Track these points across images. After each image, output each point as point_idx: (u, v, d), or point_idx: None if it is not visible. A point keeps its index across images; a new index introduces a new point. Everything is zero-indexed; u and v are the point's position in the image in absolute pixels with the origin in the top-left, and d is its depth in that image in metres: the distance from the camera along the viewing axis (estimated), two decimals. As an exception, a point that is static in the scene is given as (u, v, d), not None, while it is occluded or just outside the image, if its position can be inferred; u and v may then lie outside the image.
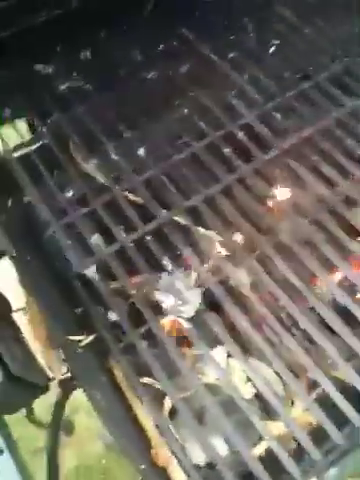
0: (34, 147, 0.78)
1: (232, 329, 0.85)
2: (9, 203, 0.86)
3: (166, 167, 0.82)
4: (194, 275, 0.80)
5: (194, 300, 0.75)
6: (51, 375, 0.66)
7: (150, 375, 0.76)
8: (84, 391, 0.67)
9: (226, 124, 0.88)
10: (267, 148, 0.87)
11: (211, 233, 0.86)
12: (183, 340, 0.86)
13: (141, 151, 0.80)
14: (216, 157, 0.86)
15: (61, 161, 0.79)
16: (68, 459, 1.51)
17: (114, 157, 0.82)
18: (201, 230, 0.85)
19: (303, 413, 0.79)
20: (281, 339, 0.81)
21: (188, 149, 0.86)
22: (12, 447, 0.71)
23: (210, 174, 0.84)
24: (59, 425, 0.79)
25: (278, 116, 0.88)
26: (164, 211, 0.81)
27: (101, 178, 0.85)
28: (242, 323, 0.76)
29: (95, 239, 0.73)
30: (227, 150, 0.86)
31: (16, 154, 0.77)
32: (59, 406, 0.79)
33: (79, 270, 0.57)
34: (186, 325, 0.76)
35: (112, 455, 1.63)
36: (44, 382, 0.66)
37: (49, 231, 0.63)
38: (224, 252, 0.85)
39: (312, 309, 0.82)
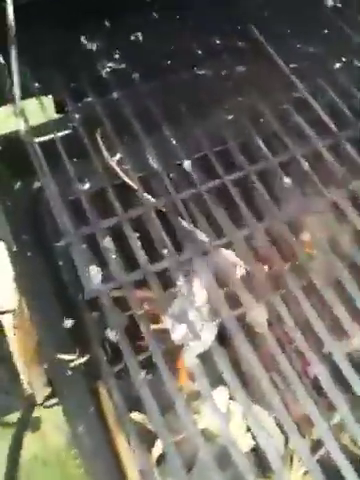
0: (60, 134, 0.68)
1: (238, 368, 0.78)
2: (17, 186, 0.76)
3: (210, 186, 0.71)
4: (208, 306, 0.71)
5: (207, 337, 0.67)
6: (34, 400, 0.57)
7: (141, 409, 0.68)
8: (66, 421, 0.58)
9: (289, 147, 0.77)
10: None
11: (235, 258, 0.78)
12: (183, 371, 0.78)
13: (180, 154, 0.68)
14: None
15: (87, 149, 0.68)
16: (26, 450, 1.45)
17: (147, 155, 0.71)
18: (225, 252, 0.76)
19: (302, 477, 0.71)
20: (289, 386, 0.74)
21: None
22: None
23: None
24: (21, 440, 0.70)
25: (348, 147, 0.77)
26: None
27: (124, 176, 0.75)
28: (251, 363, 0.68)
29: (114, 260, 0.63)
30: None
31: (39, 139, 0.66)
32: (23, 422, 0.71)
33: (90, 296, 0.48)
34: (191, 360, 0.67)
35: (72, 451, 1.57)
36: (25, 407, 0.58)
37: (64, 240, 0.53)
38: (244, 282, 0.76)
39: (328, 357, 0.74)
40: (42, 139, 0.67)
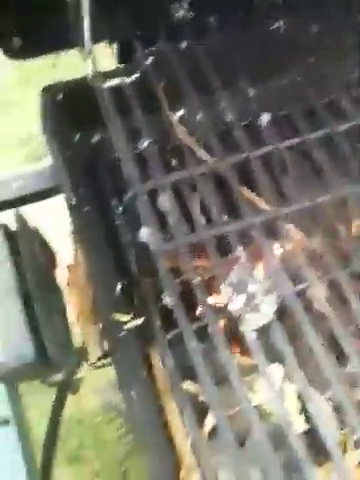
0: (129, 80, 0.64)
1: (296, 346, 0.74)
2: (76, 138, 0.73)
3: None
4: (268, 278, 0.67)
5: (267, 311, 0.63)
6: (86, 355, 0.55)
7: (194, 379, 0.65)
8: (119, 387, 0.56)
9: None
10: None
11: (301, 235, 0.73)
12: (237, 343, 0.75)
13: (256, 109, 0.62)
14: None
15: (154, 100, 0.64)
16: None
17: (218, 110, 0.65)
18: (291, 228, 0.72)
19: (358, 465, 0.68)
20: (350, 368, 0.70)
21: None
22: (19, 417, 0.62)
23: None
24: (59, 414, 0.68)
25: None
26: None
27: (183, 135, 0.71)
28: (311, 342, 0.64)
29: (174, 220, 0.60)
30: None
31: (107, 83, 0.61)
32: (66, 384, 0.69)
33: (159, 256, 0.45)
34: (249, 334, 0.64)
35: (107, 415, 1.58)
36: (75, 366, 0.56)
37: (131, 191, 0.49)
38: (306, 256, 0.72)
39: None
40: (111, 84, 0.62)
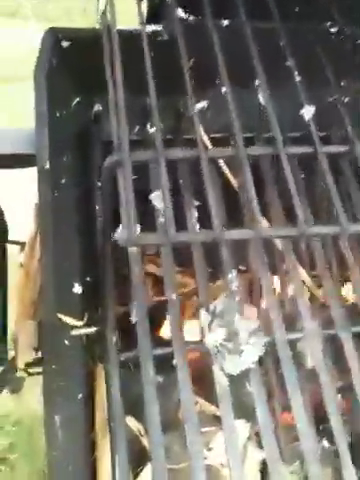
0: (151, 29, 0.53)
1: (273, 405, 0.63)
2: (74, 102, 0.62)
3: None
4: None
5: (249, 356, 0.51)
6: (14, 363, 0.44)
7: (140, 417, 0.53)
8: (44, 402, 0.44)
9: None
10: None
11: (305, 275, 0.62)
12: (202, 385, 0.63)
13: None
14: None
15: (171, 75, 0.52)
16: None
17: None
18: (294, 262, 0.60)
19: None
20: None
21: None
22: None
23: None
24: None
25: None
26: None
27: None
28: (296, 405, 0.52)
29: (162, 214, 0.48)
30: None
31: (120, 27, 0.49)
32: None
33: (125, 244, 0.33)
34: (220, 377, 0.52)
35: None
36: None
37: (116, 156, 0.37)
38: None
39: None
40: (124, 28, 0.51)
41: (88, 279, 0.59)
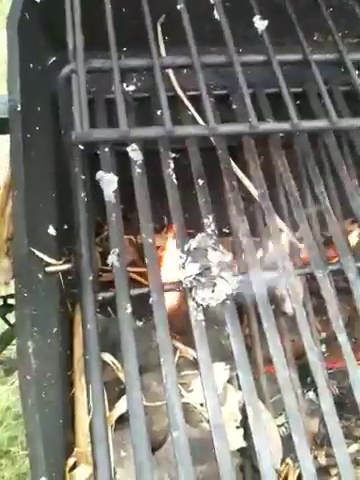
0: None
1: (250, 346, 0.63)
2: (50, 60, 0.64)
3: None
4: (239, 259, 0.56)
5: (224, 288, 0.52)
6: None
7: (117, 354, 0.54)
8: (17, 336, 0.44)
9: None
10: None
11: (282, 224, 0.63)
12: (178, 327, 0.64)
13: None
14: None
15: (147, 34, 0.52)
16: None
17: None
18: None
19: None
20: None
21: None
22: None
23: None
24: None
25: None
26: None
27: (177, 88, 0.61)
28: (273, 345, 0.53)
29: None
30: None
31: None
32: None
33: (76, 140, 0.33)
34: (195, 314, 0.53)
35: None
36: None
37: (66, 68, 0.37)
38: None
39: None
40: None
41: (66, 227, 0.60)
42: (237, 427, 0.59)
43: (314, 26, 0.58)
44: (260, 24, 0.39)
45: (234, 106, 0.67)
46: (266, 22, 0.39)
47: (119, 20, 0.41)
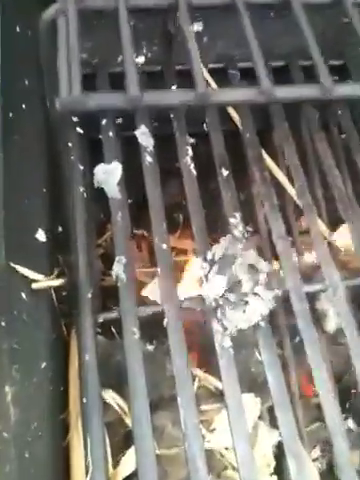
0: None
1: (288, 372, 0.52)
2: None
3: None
4: (274, 267, 0.45)
5: (259, 307, 0.41)
6: None
7: (122, 387, 0.43)
8: None
9: None
10: None
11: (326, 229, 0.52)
12: (200, 353, 0.53)
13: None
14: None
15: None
16: None
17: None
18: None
19: None
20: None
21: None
22: None
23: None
24: None
25: None
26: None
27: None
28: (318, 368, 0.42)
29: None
30: None
31: None
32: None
33: (63, 107, 0.23)
34: (222, 339, 0.41)
35: None
36: None
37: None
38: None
39: None
40: None
41: (60, 229, 0.48)
42: (270, 474, 0.48)
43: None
44: None
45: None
46: None
47: None
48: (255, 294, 0.42)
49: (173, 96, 0.21)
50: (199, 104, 0.22)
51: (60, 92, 0.21)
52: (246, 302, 0.41)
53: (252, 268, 0.43)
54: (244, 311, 0.41)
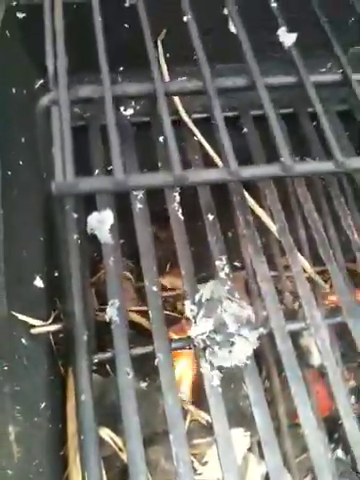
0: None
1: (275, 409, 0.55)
2: (38, 84, 0.57)
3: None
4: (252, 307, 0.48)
5: (244, 348, 0.44)
6: None
7: (114, 423, 0.46)
8: None
9: None
10: None
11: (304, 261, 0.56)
12: (194, 390, 0.56)
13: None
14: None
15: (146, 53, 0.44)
16: None
17: None
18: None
19: None
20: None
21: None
22: None
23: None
24: None
25: None
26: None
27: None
28: (302, 409, 0.45)
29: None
30: None
31: None
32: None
33: (58, 192, 0.26)
34: (211, 379, 0.45)
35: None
36: None
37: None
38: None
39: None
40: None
41: (56, 274, 0.52)
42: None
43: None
44: (287, 37, 0.32)
45: (245, 129, 0.60)
46: (294, 35, 0.32)
47: (113, 36, 0.34)
48: (240, 335, 0.46)
49: (154, 179, 0.25)
50: (178, 185, 0.26)
51: (56, 177, 0.24)
52: (232, 343, 0.45)
53: (237, 310, 0.47)
54: (230, 351, 0.45)
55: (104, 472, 0.43)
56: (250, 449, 0.54)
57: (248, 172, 0.26)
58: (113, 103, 0.28)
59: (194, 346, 0.46)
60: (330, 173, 0.32)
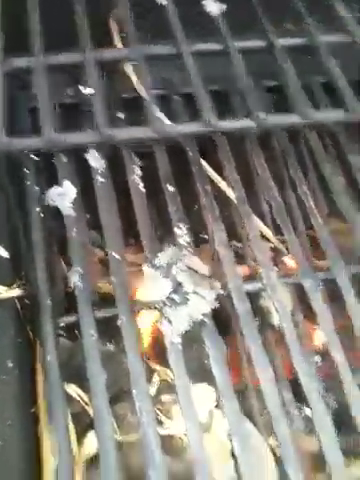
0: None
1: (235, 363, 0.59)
2: None
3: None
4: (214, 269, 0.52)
5: (200, 306, 0.47)
6: None
7: (82, 383, 0.49)
8: None
9: None
10: None
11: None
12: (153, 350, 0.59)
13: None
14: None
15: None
16: None
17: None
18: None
19: None
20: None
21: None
22: None
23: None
24: None
25: None
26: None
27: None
28: (258, 360, 0.48)
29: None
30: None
31: None
32: None
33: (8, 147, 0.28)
34: (171, 335, 0.48)
35: None
36: None
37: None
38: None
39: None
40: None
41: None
42: (228, 459, 0.54)
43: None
44: (214, 8, 0.34)
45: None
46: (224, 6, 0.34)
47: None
48: (196, 293, 0.49)
49: (81, 137, 0.28)
50: (106, 143, 0.29)
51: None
52: (187, 300, 0.48)
53: (194, 272, 0.50)
54: (186, 309, 0.48)
55: (72, 426, 0.47)
56: (217, 406, 0.57)
57: (175, 129, 0.29)
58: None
59: (155, 307, 0.50)
60: (250, 129, 0.35)
